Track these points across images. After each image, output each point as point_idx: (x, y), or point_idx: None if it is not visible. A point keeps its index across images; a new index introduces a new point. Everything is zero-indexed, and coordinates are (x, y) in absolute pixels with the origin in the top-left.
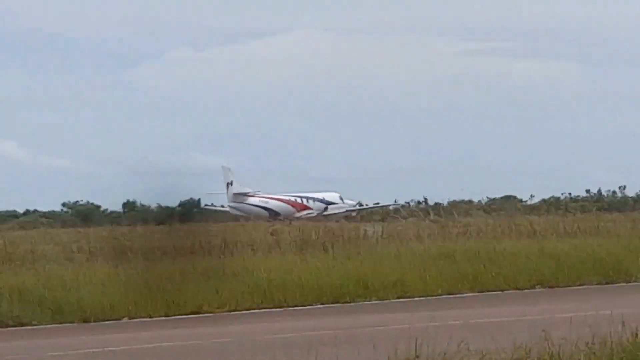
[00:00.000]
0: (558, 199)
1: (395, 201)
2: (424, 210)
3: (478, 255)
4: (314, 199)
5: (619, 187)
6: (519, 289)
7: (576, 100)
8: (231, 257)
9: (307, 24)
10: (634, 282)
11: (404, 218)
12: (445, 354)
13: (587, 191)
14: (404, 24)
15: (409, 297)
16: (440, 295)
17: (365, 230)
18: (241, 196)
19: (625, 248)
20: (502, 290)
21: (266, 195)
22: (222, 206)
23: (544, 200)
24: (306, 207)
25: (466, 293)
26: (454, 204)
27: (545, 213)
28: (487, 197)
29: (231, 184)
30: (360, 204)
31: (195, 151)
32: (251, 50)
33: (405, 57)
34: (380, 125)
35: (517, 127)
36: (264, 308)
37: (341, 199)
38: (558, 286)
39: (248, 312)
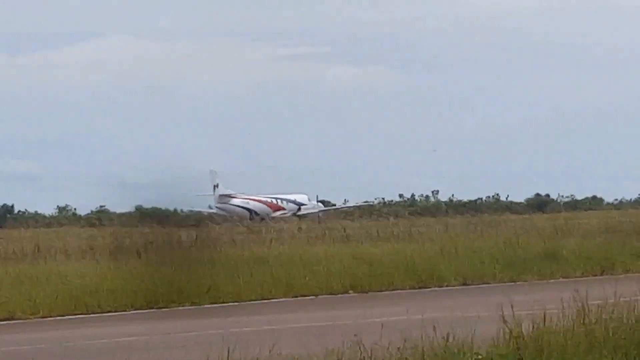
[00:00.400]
0: (371, 204)
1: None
2: None
3: (291, 260)
4: (287, 200)
5: (432, 192)
6: (332, 294)
7: (390, 105)
8: (44, 263)
9: (120, 29)
10: (447, 286)
11: (218, 224)
12: (257, 359)
13: (401, 196)
14: (218, 30)
15: (223, 303)
16: (254, 300)
17: (180, 236)
18: (226, 197)
19: (438, 253)
20: (316, 295)
21: (247, 197)
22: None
23: (357, 206)
24: (281, 208)
25: (280, 298)
26: None
27: (358, 218)
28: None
29: (217, 186)
30: (324, 204)
31: (7, 155)
32: (65, 56)
33: (220, 62)
34: (194, 130)
35: (331, 132)
36: (78, 314)
37: (309, 199)
38: (371, 290)
39: (62, 318)
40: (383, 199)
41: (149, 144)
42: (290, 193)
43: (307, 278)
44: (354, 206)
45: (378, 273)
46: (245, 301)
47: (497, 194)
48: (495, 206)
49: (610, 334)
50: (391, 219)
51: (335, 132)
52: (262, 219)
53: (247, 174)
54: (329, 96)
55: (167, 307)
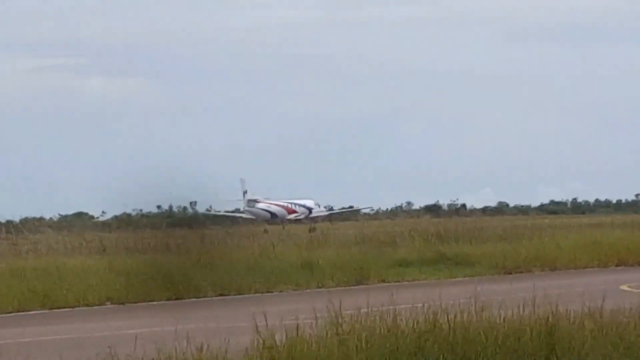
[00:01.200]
0: (129, 215)
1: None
2: None
3: (48, 272)
4: (299, 205)
5: (190, 203)
6: (88, 306)
7: (148, 115)
8: None
9: None
10: (204, 297)
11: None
12: None
13: (159, 207)
14: None
15: None
16: (10, 313)
17: None
18: (252, 202)
19: (195, 263)
20: (72, 307)
21: (269, 202)
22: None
23: (115, 217)
24: (294, 211)
25: (36, 310)
26: (25, 221)
27: (116, 229)
28: (59, 214)
29: (246, 192)
30: (332, 208)
31: None
32: None
33: None
34: None
35: (90, 145)
36: None
37: (316, 204)
38: (128, 302)
39: None
40: (141, 210)
41: None
42: (300, 199)
43: (64, 290)
44: (352, 210)
45: (135, 284)
46: (2, 314)
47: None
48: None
49: (363, 344)
50: (148, 230)
51: (93, 144)
52: (280, 221)
53: (1, 186)
54: (86, 108)
55: None
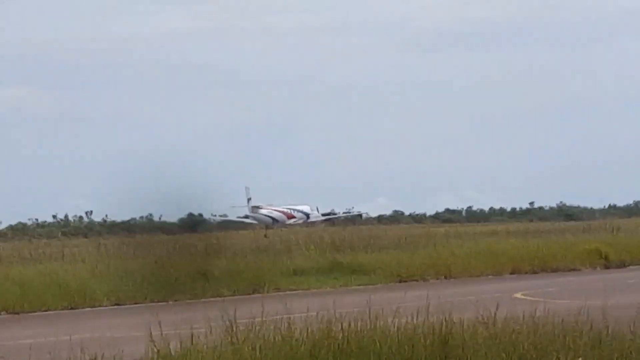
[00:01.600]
0: (25, 224)
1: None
2: None
3: None
4: (297, 210)
5: (86, 213)
6: None
7: (41, 125)
8: None
9: None
10: (99, 306)
11: None
12: None
13: (54, 217)
14: None
15: None
16: None
17: None
18: (256, 208)
19: (90, 273)
20: None
21: (270, 208)
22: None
23: (11, 226)
24: (293, 216)
25: None
26: None
27: (11, 239)
28: None
29: (250, 199)
30: (329, 214)
31: None
32: None
33: None
34: None
35: None
36: None
37: (311, 209)
38: (23, 312)
39: None
40: (37, 219)
41: None
42: (298, 204)
43: None
44: (345, 215)
45: (29, 294)
46: None
47: (151, 215)
48: (149, 226)
49: (258, 353)
50: (44, 239)
51: None
52: (281, 225)
53: None
54: None
55: None
